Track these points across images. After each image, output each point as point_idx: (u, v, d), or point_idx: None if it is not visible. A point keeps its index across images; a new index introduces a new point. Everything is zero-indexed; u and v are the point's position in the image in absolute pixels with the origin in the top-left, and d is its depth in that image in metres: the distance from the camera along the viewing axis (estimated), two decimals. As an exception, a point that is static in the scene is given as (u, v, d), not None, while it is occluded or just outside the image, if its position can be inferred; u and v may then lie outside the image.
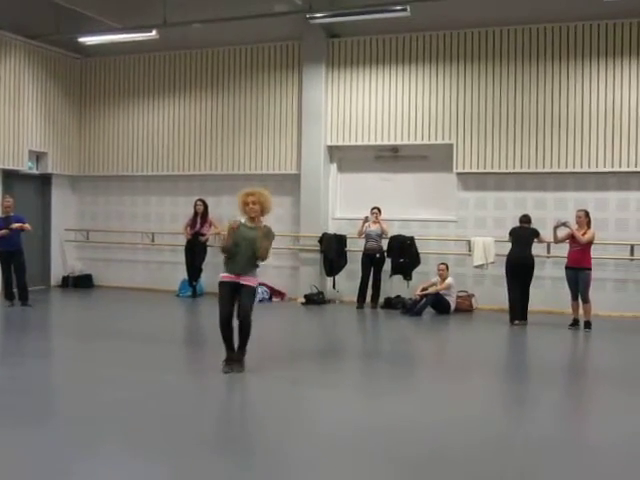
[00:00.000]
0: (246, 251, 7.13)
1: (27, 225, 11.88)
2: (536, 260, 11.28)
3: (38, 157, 14.47)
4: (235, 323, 7.19)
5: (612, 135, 11.74)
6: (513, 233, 11.11)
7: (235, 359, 7.26)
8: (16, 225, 11.67)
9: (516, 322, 10.75)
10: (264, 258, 7.25)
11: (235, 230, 7.13)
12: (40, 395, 6.41)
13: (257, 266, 7.31)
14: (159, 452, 4.91)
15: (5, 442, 5.03)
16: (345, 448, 5.04)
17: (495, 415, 6.15)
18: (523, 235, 10.99)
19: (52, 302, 13.50)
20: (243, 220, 7.29)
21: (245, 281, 7.15)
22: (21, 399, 6.15)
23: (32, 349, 8.63)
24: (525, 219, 11.17)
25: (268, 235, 7.25)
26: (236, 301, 7.20)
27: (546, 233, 11.12)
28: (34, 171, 14.41)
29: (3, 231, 11.55)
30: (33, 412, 5.78)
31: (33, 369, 7.38)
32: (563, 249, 10.79)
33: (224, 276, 7.25)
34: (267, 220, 7.49)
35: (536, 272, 11.33)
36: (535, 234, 10.99)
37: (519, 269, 10.85)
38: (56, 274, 15.09)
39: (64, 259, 15.30)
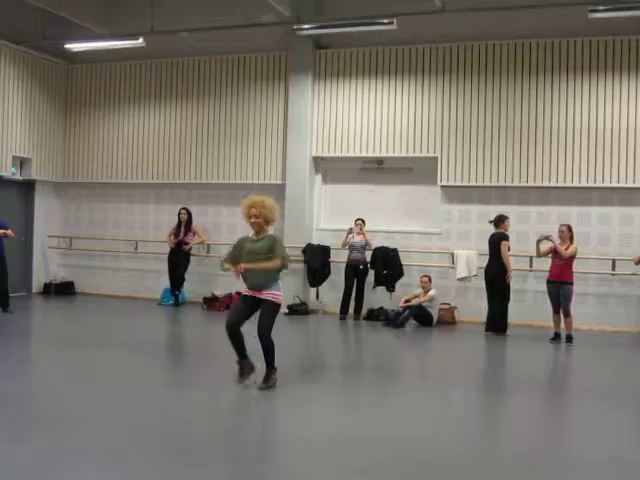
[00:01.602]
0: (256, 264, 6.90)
1: (10, 232, 11.77)
2: (519, 274, 11.37)
3: (22, 163, 14.39)
4: (245, 329, 6.99)
5: (595, 151, 11.83)
6: (488, 241, 11.19)
7: (264, 375, 7.04)
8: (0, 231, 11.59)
9: (488, 333, 10.95)
10: (283, 266, 6.97)
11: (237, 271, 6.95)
12: (16, 405, 6.33)
13: (276, 277, 6.98)
14: (130, 462, 4.86)
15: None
16: (322, 460, 5.01)
17: (473, 428, 6.16)
18: (491, 243, 11.06)
19: (33, 309, 13.39)
20: (251, 234, 7.09)
21: (265, 295, 6.89)
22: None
23: (11, 357, 8.53)
24: (494, 222, 11.14)
25: (275, 245, 6.94)
26: (250, 312, 6.98)
27: (528, 247, 11.21)
28: (17, 177, 14.32)
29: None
30: (10, 422, 5.72)
31: (11, 378, 7.31)
32: (545, 263, 10.86)
33: (245, 290, 7.06)
34: (249, 228, 7.40)
35: (518, 285, 11.44)
36: (501, 239, 10.89)
37: (485, 280, 11.04)
38: (38, 281, 14.98)
39: (46, 266, 15.19)
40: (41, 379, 7.56)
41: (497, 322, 10.95)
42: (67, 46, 13.32)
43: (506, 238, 10.94)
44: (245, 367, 7.03)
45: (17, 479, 4.48)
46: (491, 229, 11.23)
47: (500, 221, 11.11)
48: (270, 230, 7.19)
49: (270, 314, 6.94)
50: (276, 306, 7.00)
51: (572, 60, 11.96)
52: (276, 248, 6.96)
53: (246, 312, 6.99)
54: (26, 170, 14.47)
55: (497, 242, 10.91)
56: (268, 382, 7.00)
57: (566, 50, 11.99)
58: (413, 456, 5.16)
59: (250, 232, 7.20)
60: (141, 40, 12.47)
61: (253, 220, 6.94)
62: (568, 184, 11.98)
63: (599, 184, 11.84)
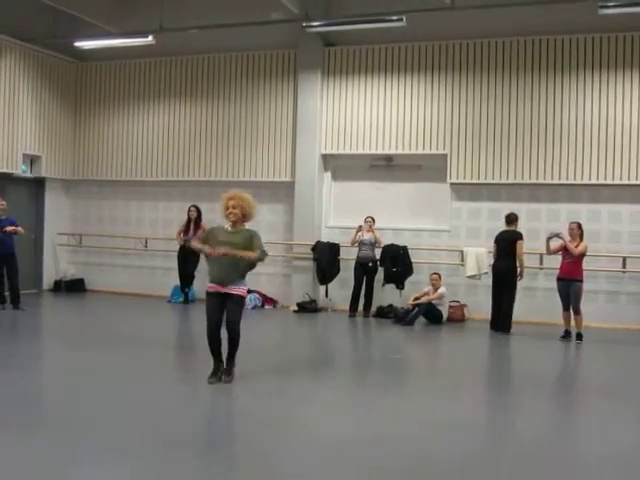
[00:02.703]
0: (228, 257, 6.88)
1: (20, 228, 11.87)
2: (529, 271, 11.32)
3: (32, 160, 14.44)
4: (224, 334, 7.04)
5: (605, 148, 11.78)
6: (497, 238, 11.13)
7: (224, 370, 7.13)
8: (10, 228, 11.66)
9: (497, 332, 10.87)
10: (259, 259, 6.96)
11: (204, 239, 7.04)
12: (27, 402, 6.36)
13: (245, 273, 7.06)
14: (144, 460, 4.88)
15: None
16: (332, 458, 5.02)
17: (482, 427, 6.16)
18: (502, 241, 11.00)
19: (44, 306, 13.44)
20: (226, 226, 7.14)
21: (232, 290, 6.96)
22: (6, 406, 6.12)
23: (21, 354, 8.58)
24: (509, 219, 11.12)
25: (254, 238, 7.00)
26: (224, 310, 7.01)
27: (538, 244, 11.17)
28: (28, 174, 14.38)
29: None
30: (20, 419, 5.75)
31: (21, 375, 7.34)
32: (555, 260, 10.82)
33: (210, 286, 7.05)
34: (259, 226, 7.41)
35: (528, 283, 11.38)
36: (515, 238, 10.84)
37: (496, 278, 10.98)
38: (48, 278, 15.04)
39: (56, 263, 15.25)
40: (52, 376, 7.60)
41: (504, 321, 10.91)
42: (77, 44, 13.34)
43: (522, 237, 10.91)
44: (220, 370, 7.12)
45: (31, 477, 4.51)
46: (501, 226, 11.19)
47: (515, 219, 11.09)
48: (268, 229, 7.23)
49: (239, 309, 7.07)
50: (242, 298, 7.14)
51: (582, 57, 11.90)
52: (254, 241, 7.01)
53: (220, 313, 7.03)
54: (36, 168, 14.51)
55: (512, 241, 10.87)
56: (231, 375, 7.12)
57: (575, 47, 11.94)
58: (421, 455, 5.16)
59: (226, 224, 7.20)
60: (151, 38, 12.47)
61: (230, 210, 7.01)
62: (578, 181, 11.93)
63: (609, 181, 11.79)
